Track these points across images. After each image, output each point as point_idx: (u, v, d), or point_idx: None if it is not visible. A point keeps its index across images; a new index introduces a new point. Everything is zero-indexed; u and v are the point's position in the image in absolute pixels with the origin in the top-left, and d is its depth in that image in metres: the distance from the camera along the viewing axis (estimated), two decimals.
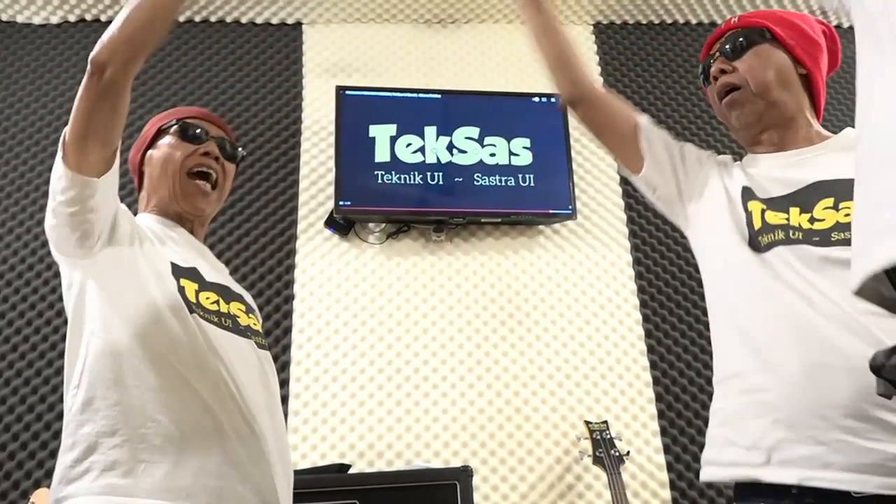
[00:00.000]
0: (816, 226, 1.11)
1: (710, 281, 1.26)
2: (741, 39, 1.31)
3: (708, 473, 1.15)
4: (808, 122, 1.28)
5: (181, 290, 1.26)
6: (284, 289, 2.35)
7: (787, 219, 1.14)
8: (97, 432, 1.10)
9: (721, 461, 1.13)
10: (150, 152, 1.45)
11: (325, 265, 2.38)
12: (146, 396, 1.13)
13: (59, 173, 1.13)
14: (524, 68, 2.76)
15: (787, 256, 1.10)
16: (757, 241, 1.15)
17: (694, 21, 2.93)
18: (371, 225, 2.45)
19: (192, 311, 1.24)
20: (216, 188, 1.47)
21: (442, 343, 2.29)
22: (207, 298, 1.31)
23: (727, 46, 1.33)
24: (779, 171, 1.22)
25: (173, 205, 1.41)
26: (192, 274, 1.32)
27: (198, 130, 1.46)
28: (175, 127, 1.46)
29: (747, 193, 1.22)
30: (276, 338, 2.27)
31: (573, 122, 2.61)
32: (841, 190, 1.12)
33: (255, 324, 1.40)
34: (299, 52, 2.74)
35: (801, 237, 1.11)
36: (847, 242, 1.05)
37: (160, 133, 1.46)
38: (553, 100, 2.55)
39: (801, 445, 1.00)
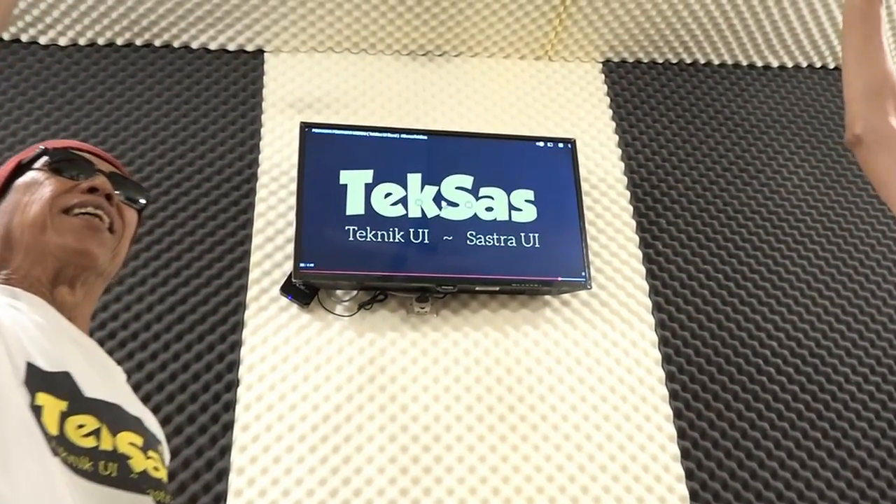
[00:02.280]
0: None
1: None
2: None
3: None
4: None
5: (36, 411, 0.78)
6: (227, 372, 1.85)
7: None
8: None
9: None
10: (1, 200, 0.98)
11: (279, 342, 1.90)
12: None
13: None
14: (525, 108, 2.36)
15: None
16: None
17: (717, 62, 2.59)
18: (339, 293, 1.99)
19: (53, 453, 0.76)
20: (113, 233, 1.00)
21: (425, 445, 1.81)
22: (80, 427, 0.81)
23: None
24: None
25: (43, 261, 0.92)
26: (61, 384, 0.83)
27: (78, 161, 0.99)
28: (44, 158, 0.99)
29: None
30: (213, 437, 1.77)
31: (584, 171, 2.22)
32: None
33: (155, 468, 0.90)
34: (259, 84, 2.31)
35: None
36: None
37: (19, 170, 0.99)
38: (561, 145, 2.14)
39: None
